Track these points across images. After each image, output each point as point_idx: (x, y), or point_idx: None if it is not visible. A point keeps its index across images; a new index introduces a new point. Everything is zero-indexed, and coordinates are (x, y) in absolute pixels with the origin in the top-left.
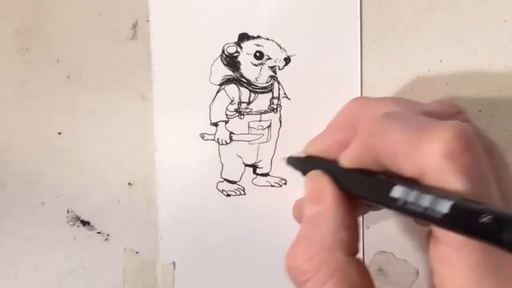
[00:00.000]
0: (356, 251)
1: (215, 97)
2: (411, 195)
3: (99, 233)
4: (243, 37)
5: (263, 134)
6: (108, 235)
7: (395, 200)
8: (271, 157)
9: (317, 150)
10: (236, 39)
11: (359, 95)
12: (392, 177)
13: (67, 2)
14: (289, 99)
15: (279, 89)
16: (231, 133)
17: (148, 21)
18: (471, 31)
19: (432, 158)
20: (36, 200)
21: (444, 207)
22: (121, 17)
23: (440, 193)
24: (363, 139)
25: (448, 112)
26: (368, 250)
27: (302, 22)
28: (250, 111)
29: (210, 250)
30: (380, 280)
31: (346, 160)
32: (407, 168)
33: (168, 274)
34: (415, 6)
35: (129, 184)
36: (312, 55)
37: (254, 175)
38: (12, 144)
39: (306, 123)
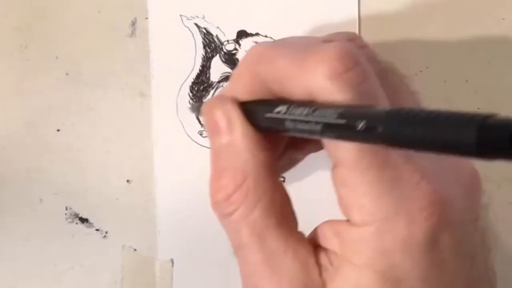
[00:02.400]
0: (278, 174)
1: (213, 94)
2: (293, 111)
3: (97, 230)
4: (242, 34)
5: None
6: (106, 232)
7: (280, 119)
8: None
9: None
10: (234, 36)
11: None
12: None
13: None
14: None
15: None
16: None
17: (147, 18)
18: (470, 28)
19: (317, 80)
20: (34, 197)
21: (325, 118)
22: (120, 14)
23: (323, 106)
24: (251, 69)
25: (342, 38)
26: None
27: (301, 19)
28: None
29: (208, 247)
30: None
31: (238, 93)
32: (296, 92)
33: (167, 271)
34: (413, 4)
35: (127, 181)
36: None
37: None
38: (10, 141)
39: None
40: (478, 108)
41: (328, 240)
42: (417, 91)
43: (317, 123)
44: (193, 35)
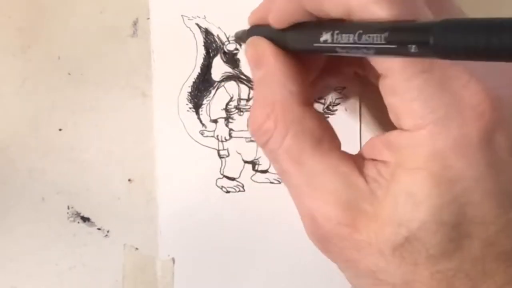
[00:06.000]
0: (311, 102)
1: (214, 94)
2: (339, 39)
3: (99, 229)
4: None
5: None
6: (108, 231)
7: (330, 47)
8: None
9: (257, 18)
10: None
11: None
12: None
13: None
14: None
15: None
16: (230, 129)
17: (148, 18)
18: None
19: None
20: (36, 196)
21: (373, 43)
22: (121, 14)
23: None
24: None
25: None
26: None
27: None
28: (249, 108)
29: (209, 246)
30: None
31: (274, 18)
32: (333, 8)
33: (168, 270)
34: None
35: (129, 180)
36: None
37: (254, 172)
38: (13, 141)
39: None
40: None
41: (377, 151)
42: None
43: (367, 48)
44: (194, 35)
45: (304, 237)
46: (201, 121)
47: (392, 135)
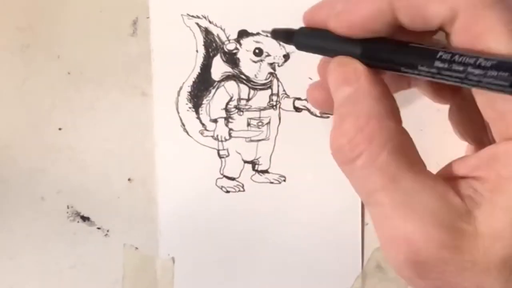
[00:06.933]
0: (401, 121)
1: (214, 93)
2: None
3: (99, 228)
4: (243, 34)
5: (262, 131)
6: (108, 230)
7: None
8: (270, 154)
9: (319, 19)
10: (235, 36)
11: None
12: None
13: None
14: (288, 95)
15: (278, 85)
16: (230, 129)
17: (148, 17)
18: None
19: None
20: (36, 196)
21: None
22: (121, 13)
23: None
24: None
25: None
26: (367, 247)
27: (301, 19)
28: (249, 108)
29: (209, 246)
30: (379, 277)
31: (344, 21)
32: (436, 11)
33: (168, 269)
34: None
35: (129, 180)
36: None
37: (253, 172)
38: (13, 140)
39: (306, 120)
40: None
41: (472, 170)
42: None
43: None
44: (194, 35)
45: (303, 237)
46: (201, 121)
47: (495, 148)
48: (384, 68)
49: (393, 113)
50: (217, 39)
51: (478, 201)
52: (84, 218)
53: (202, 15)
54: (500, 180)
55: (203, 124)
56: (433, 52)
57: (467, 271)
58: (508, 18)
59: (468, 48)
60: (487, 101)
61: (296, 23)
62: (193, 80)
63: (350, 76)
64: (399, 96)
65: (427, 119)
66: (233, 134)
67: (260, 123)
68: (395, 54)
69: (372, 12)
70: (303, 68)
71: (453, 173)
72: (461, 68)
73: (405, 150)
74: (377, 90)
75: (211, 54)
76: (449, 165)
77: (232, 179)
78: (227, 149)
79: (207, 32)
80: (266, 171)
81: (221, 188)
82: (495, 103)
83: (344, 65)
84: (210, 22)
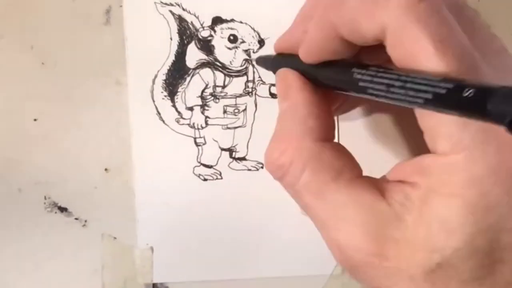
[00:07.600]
0: (332, 137)
1: (189, 81)
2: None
3: (76, 219)
4: (217, 20)
5: (239, 118)
6: (85, 221)
7: (360, 86)
8: (247, 141)
9: (285, 47)
10: (209, 23)
11: None
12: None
13: None
14: (264, 82)
15: (253, 72)
16: (206, 117)
17: (121, 6)
18: None
19: (391, 11)
20: (13, 187)
21: (423, 93)
22: (94, 2)
23: (405, 72)
24: (320, 18)
25: None
26: None
27: (275, 5)
28: (225, 95)
29: (188, 235)
30: None
31: (306, 53)
32: (368, 29)
33: (147, 259)
34: None
35: (105, 170)
36: None
37: (231, 159)
38: None
39: None
40: None
41: (408, 175)
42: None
43: (417, 95)
44: (168, 22)
45: (281, 223)
46: (176, 109)
47: (425, 158)
48: (324, 87)
49: (319, 132)
50: (191, 26)
51: (409, 207)
52: (62, 209)
53: (175, 3)
54: (430, 192)
55: (179, 112)
56: (352, 72)
57: (395, 277)
58: (433, 33)
59: (401, 64)
60: (418, 115)
61: (268, 9)
62: (168, 68)
63: (287, 90)
64: None
65: None
66: (210, 121)
67: (236, 110)
68: (332, 72)
69: (321, 41)
70: None
71: (395, 176)
72: (383, 87)
73: (330, 165)
74: (307, 107)
75: (185, 42)
76: (394, 168)
77: (210, 167)
78: (204, 137)
79: (180, 20)
80: (243, 158)
81: (199, 176)
82: (423, 118)
83: (284, 77)
84: (183, 9)
